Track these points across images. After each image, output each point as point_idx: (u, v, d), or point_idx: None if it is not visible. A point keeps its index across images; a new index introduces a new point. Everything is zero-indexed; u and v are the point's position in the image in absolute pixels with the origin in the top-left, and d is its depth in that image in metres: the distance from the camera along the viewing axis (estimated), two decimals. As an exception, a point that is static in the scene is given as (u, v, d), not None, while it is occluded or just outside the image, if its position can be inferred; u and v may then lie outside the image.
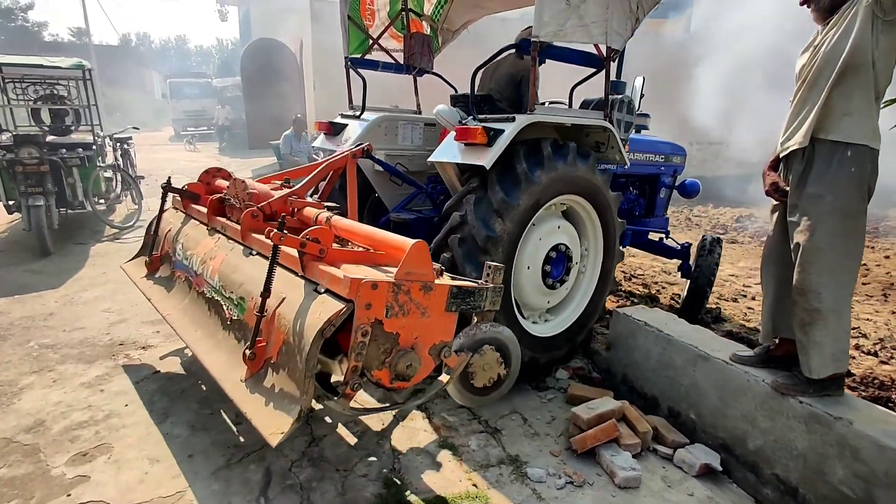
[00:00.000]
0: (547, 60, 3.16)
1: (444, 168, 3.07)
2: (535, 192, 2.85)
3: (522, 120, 2.78)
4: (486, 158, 2.68)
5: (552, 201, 3.02)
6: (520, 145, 2.84)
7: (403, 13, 4.22)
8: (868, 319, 4.49)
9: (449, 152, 2.89)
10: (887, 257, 6.78)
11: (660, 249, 4.64)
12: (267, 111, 15.92)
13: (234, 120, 19.72)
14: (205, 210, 3.05)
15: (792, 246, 2.29)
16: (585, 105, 3.64)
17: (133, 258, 3.56)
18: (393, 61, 4.23)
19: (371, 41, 4.10)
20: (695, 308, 4.15)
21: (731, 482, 2.51)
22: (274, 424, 1.81)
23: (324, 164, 3.12)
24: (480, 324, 2.35)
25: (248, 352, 2.05)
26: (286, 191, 2.80)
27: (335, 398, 1.94)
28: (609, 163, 3.45)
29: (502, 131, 2.72)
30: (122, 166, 7.92)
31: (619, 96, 3.34)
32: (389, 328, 1.96)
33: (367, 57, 4.09)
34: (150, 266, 3.25)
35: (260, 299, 2.15)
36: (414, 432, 2.74)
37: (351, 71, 3.93)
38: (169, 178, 3.33)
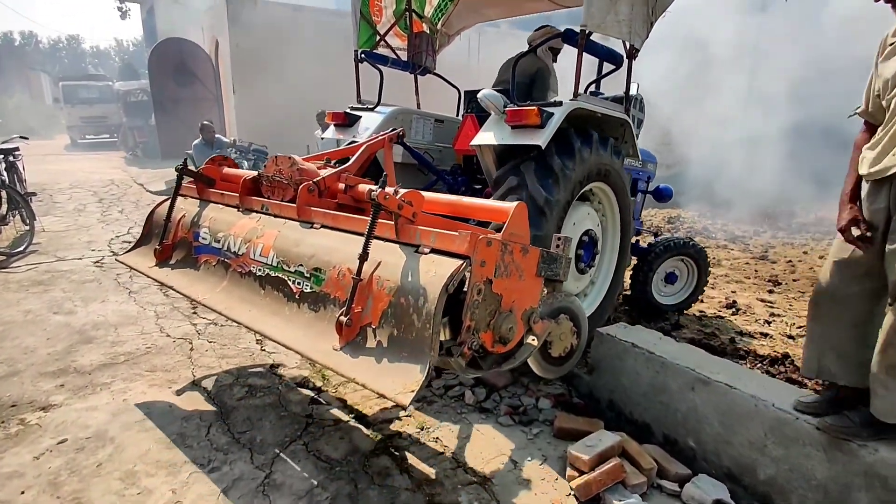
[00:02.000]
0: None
1: (483, 151, 3.11)
2: (584, 170, 2.98)
3: (570, 105, 2.90)
4: (542, 138, 2.77)
5: (588, 186, 3.15)
6: (569, 128, 2.94)
7: (407, 13, 4.27)
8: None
9: (496, 135, 2.94)
10: (805, 253, 7.49)
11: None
12: (180, 117, 14.64)
13: (139, 127, 18.13)
14: (229, 192, 2.90)
15: (891, 279, 1.96)
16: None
17: (131, 249, 3.25)
18: (396, 58, 4.25)
19: (378, 37, 4.10)
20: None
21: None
22: (398, 384, 1.72)
23: (364, 146, 3.05)
24: (555, 293, 2.38)
25: (344, 318, 1.94)
26: (331, 170, 2.71)
27: (452, 357, 1.88)
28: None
29: (552, 114, 2.82)
30: (7, 182, 6.66)
31: (634, 94, 3.57)
32: (496, 289, 1.95)
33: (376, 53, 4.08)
34: (161, 254, 2.98)
35: (344, 267, 2.07)
36: (394, 493, 2.32)
37: (360, 65, 3.91)
38: (185, 160, 3.10)
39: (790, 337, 4.21)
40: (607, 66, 3.57)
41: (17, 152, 7.38)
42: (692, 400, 2.52)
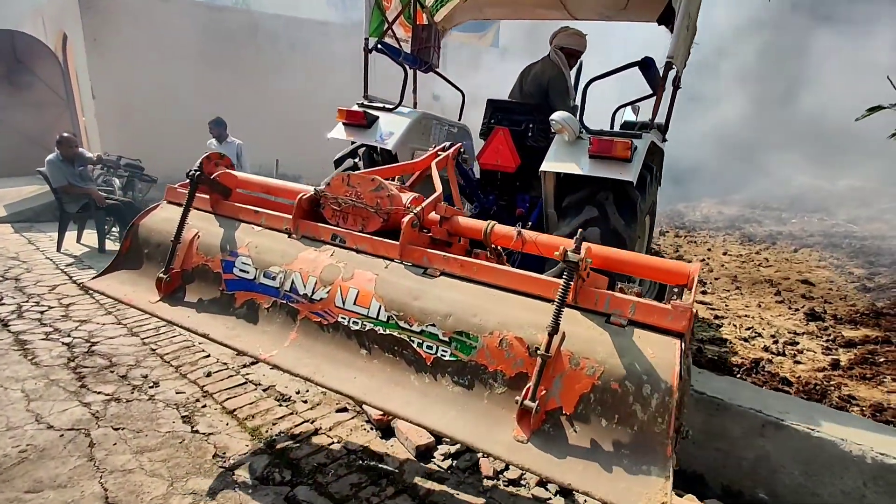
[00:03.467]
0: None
1: (547, 176, 2.86)
2: (647, 204, 2.91)
3: (648, 137, 2.77)
4: (632, 173, 2.60)
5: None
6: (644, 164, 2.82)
7: (412, 2, 3.80)
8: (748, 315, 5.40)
9: (577, 164, 2.70)
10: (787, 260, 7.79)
11: None
12: (17, 127, 10.92)
13: None
14: (268, 211, 2.32)
15: None
16: (629, 126, 3.77)
17: (105, 272, 2.45)
18: (405, 52, 3.77)
19: (387, 24, 3.58)
20: None
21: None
22: (635, 494, 1.45)
23: (427, 164, 2.61)
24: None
25: (530, 403, 1.60)
26: (416, 194, 2.27)
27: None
28: None
29: (636, 147, 2.66)
30: None
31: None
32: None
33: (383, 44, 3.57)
34: (168, 286, 2.28)
35: (508, 335, 1.73)
36: None
37: (369, 56, 3.39)
38: (201, 163, 2.38)
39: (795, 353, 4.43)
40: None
41: None
42: (761, 446, 2.35)
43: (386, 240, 2.07)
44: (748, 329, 4.71)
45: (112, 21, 9.09)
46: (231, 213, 2.40)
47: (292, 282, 2.09)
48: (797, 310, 5.27)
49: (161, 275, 2.27)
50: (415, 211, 2.06)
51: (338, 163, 3.44)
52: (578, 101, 3.32)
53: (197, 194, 2.39)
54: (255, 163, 8.29)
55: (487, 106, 3.61)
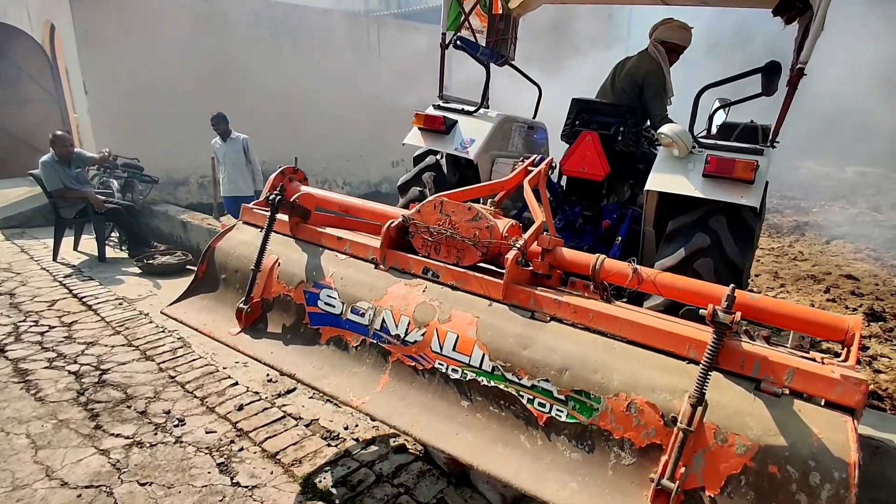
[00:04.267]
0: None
1: (652, 194, 2.59)
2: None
3: (770, 153, 2.46)
4: (755, 198, 2.31)
5: None
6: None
7: (488, -13, 3.53)
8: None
9: (692, 184, 2.43)
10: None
11: None
12: (3, 125, 10.27)
13: None
14: (351, 238, 2.16)
15: None
16: (730, 128, 3.42)
17: (181, 299, 2.36)
18: (483, 46, 3.52)
19: (463, 15, 3.33)
20: None
21: None
22: None
23: (520, 182, 2.40)
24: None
25: (669, 483, 1.40)
26: (512, 221, 2.05)
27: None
28: None
29: (759, 166, 2.36)
30: None
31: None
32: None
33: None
34: (249, 317, 2.17)
35: (638, 398, 1.52)
36: None
37: (445, 51, 3.16)
38: (282, 186, 2.24)
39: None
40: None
41: None
42: None
43: (487, 276, 1.88)
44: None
45: (103, 11, 8.51)
46: (312, 238, 2.26)
47: (382, 320, 1.94)
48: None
49: (241, 305, 2.16)
50: (518, 246, 1.86)
51: (418, 159, 3.23)
52: (673, 100, 3.01)
53: (291, 217, 2.27)
54: (270, 160, 8.01)
55: (572, 105, 3.33)
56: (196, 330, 2.23)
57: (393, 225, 2.07)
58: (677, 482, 1.39)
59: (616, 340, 1.66)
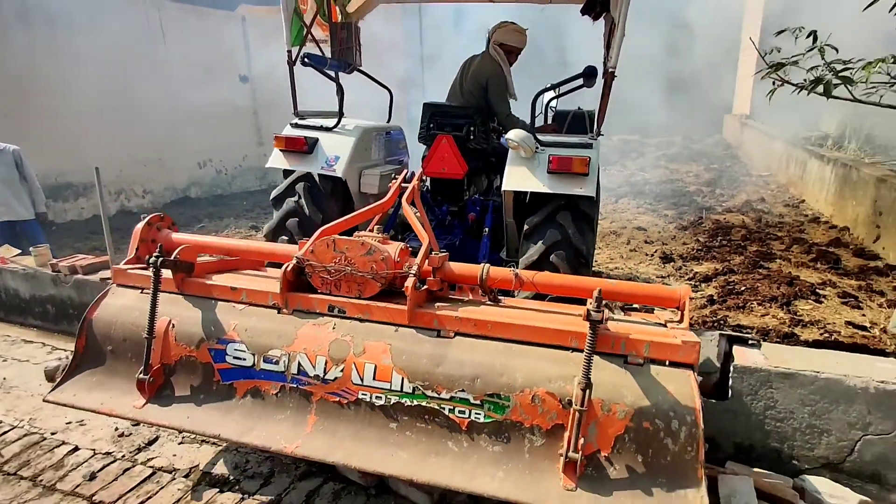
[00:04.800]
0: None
1: (509, 194, 2.91)
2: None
3: (598, 145, 2.88)
4: (591, 188, 2.72)
5: None
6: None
7: (324, -5, 3.52)
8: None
9: (539, 181, 2.77)
10: None
11: None
12: None
13: None
14: (248, 287, 2.19)
15: None
16: (562, 116, 3.84)
17: (62, 382, 2.20)
18: (330, 58, 3.51)
19: (305, 28, 3.30)
20: None
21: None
22: (681, 519, 1.66)
23: (386, 202, 2.55)
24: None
25: (574, 455, 1.73)
26: (400, 244, 2.23)
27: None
28: None
29: (590, 158, 2.77)
30: None
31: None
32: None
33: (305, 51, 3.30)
34: (153, 385, 2.10)
35: (539, 390, 1.84)
36: None
37: (295, 71, 3.15)
38: (160, 245, 2.15)
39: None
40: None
41: None
42: (770, 397, 2.39)
43: (391, 305, 2.05)
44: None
45: None
46: (203, 292, 2.22)
47: (299, 364, 2.02)
48: (651, 255, 5.86)
49: (142, 376, 2.08)
50: (414, 273, 2.04)
51: (277, 201, 3.20)
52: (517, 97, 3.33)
53: (174, 273, 2.19)
54: (46, 171, 6.95)
55: (424, 109, 3.51)
56: (93, 411, 2.11)
57: (289, 268, 2.12)
58: (580, 452, 1.73)
59: (513, 343, 1.94)
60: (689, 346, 1.80)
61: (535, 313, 2.09)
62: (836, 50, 3.39)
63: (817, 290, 4.49)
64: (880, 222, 5.69)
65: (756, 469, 2.35)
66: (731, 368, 2.43)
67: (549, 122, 3.95)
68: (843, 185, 6.97)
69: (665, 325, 2.05)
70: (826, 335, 3.69)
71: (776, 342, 3.54)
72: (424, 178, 3.51)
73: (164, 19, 9.58)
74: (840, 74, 3.34)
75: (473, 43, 4.07)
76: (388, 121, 4.01)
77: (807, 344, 3.48)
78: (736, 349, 2.53)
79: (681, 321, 2.02)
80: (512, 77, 3.65)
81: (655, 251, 5.95)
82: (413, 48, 14.89)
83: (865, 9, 3.69)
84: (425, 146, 3.46)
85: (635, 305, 3.48)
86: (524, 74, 3.92)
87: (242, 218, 8.46)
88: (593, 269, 4.86)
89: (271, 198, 3.29)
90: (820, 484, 2.30)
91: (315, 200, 3.17)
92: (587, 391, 1.74)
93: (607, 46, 2.94)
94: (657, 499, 1.71)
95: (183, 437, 2.68)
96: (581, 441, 1.75)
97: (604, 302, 1.92)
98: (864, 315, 4.11)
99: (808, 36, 3.46)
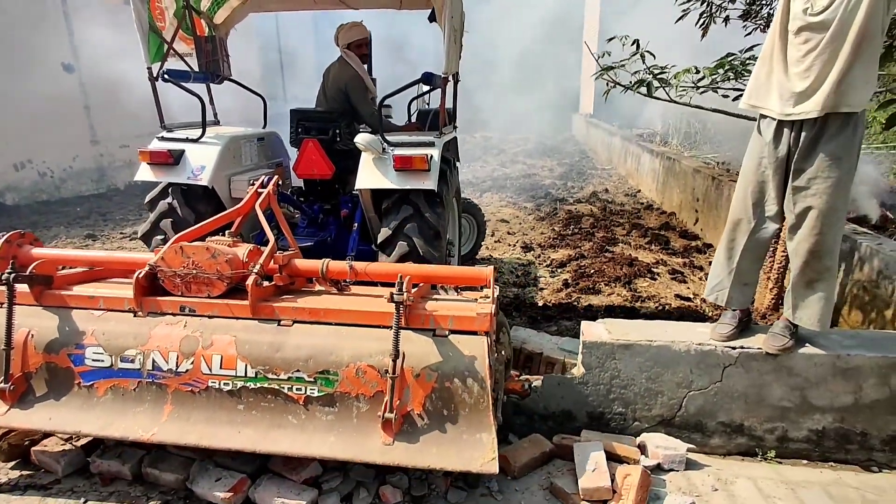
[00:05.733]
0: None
1: (365, 192, 3.22)
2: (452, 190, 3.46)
3: (440, 143, 3.23)
4: (432, 182, 3.07)
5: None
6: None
7: (186, 10, 3.66)
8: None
9: (388, 179, 3.08)
10: None
11: None
12: None
13: None
14: (102, 293, 2.38)
15: (796, 210, 2.40)
16: (424, 115, 4.16)
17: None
18: (188, 68, 3.66)
19: (167, 45, 3.44)
20: None
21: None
22: (477, 457, 2.04)
23: (250, 208, 2.78)
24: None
25: (389, 414, 2.07)
26: (249, 246, 2.49)
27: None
28: None
29: (432, 156, 3.11)
30: None
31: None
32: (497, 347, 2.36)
33: (167, 66, 3.45)
34: (14, 393, 2.27)
35: (362, 364, 2.16)
36: None
37: (156, 84, 3.30)
38: (12, 262, 2.29)
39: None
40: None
41: None
42: (614, 367, 2.68)
43: (235, 301, 2.30)
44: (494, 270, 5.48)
45: None
46: (61, 302, 2.39)
47: (153, 361, 2.24)
48: (513, 245, 6.36)
49: (1, 385, 2.24)
50: (255, 271, 2.31)
51: (152, 204, 3.36)
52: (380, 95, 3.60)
53: (31, 287, 2.34)
54: None
55: (292, 115, 3.74)
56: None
57: (142, 275, 2.33)
58: (395, 412, 2.07)
59: (342, 326, 2.26)
60: (483, 318, 2.18)
61: (363, 299, 2.42)
62: (654, 56, 3.92)
63: (652, 269, 5.13)
64: (698, 207, 6.56)
65: (606, 434, 2.67)
66: (581, 345, 2.71)
67: (413, 120, 4.30)
68: (668, 175, 7.91)
69: (476, 301, 2.43)
70: (660, 308, 4.26)
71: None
72: (298, 179, 3.77)
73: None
74: (658, 77, 3.87)
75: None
76: (264, 126, 4.21)
77: (645, 316, 4.02)
78: (584, 326, 2.83)
79: (487, 297, 2.40)
80: (369, 77, 3.94)
81: (517, 241, 6.50)
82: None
83: (676, 21, 4.27)
84: (297, 150, 3.71)
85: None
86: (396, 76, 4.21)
87: (75, 226, 7.34)
88: (474, 259, 5.30)
89: (146, 201, 3.43)
90: (656, 439, 2.63)
91: (188, 202, 3.34)
92: (397, 361, 2.09)
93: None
94: (458, 443, 2.08)
95: (0, 486, 2.33)
96: (397, 402, 2.10)
97: (440, 286, 2.27)
98: (688, 288, 4.77)
99: (633, 43, 3.98)
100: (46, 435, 2.48)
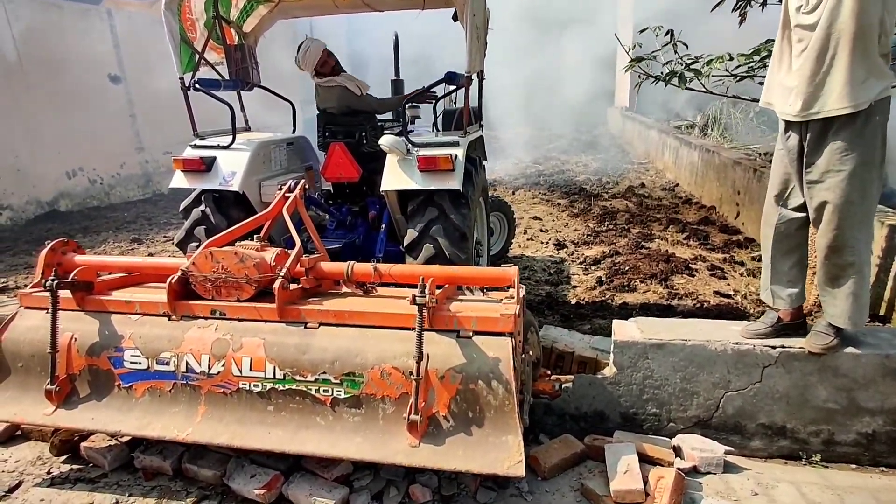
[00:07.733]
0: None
1: (391, 193, 3.23)
2: (478, 190, 3.43)
3: (465, 143, 3.22)
4: (457, 182, 3.05)
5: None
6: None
7: (216, 20, 3.75)
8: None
9: (413, 180, 3.09)
10: None
11: None
12: None
13: None
14: (139, 298, 2.47)
15: (813, 205, 2.35)
16: (449, 115, 4.15)
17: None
18: (219, 76, 3.76)
19: (198, 55, 3.54)
20: None
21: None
22: (503, 460, 2.02)
23: (278, 212, 2.83)
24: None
25: (414, 416, 2.07)
26: (277, 250, 2.54)
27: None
28: None
29: (457, 156, 3.10)
30: None
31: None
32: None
33: (200, 74, 3.55)
34: (60, 395, 2.38)
35: (387, 366, 2.17)
36: None
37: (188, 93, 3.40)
38: (55, 269, 2.41)
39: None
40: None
41: None
42: (647, 367, 2.63)
43: (263, 304, 2.35)
44: (525, 268, 5.26)
45: None
46: (101, 307, 2.49)
47: (186, 363, 2.31)
48: (546, 243, 6.23)
49: (49, 386, 2.35)
50: (282, 275, 2.35)
51: (186, 212, 3.46)
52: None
53: (73, 293, 2.45)
54: None
55: (319, 119, 3.80)
56: (7, 422, 2.37)
57: (174, 280, 2.41)
58: (420, 414, 2.07)
59: (367, 328, 2.27)
60: (507, 318, 2.15)
61: (388, 301, 2.42)
62: (686, 46, 3.80)
63: (690, 265, 4.94)
64: (739, 200, 6.28)
65: (640, 435, 2.60)
66: (613, 344, 2.67)
67: (439, 120, 4.28)
68: (708, 168, 7.61)
69: (501, 302, 2.40)
70: (698, 305, 4.12)
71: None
72: (327, 182, 3.82)
73: (9, 13, 8.07)
74: (691, 67, 3.75)
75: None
76: (294, 131, 4.28)
77: (682, 314, 3.89)
78: (615, 325, 2.78)
79: (512, 297, 2.37)
80: (348, 75, 3.81)
81: (550, 238, 6.38)
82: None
83: (713, 9, 4.11)
84: (324, 153, 3.76)
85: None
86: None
87: (123, 231, 7.60)
88: (505, 257, 5.26)
89: (181, 209, 3.54)
90: (692, 441, 2.54)
91: (220, 209, 3.43)
92: (421, 363, 2.08)
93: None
94: (484, 445, 2.07)
95: (52, 479, 2.46)
96: (423, 404, 2.10)
97: (466, 287, 2.26)
98: (728, 284, 4.57)
99: (666, 34, 3.86)
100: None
